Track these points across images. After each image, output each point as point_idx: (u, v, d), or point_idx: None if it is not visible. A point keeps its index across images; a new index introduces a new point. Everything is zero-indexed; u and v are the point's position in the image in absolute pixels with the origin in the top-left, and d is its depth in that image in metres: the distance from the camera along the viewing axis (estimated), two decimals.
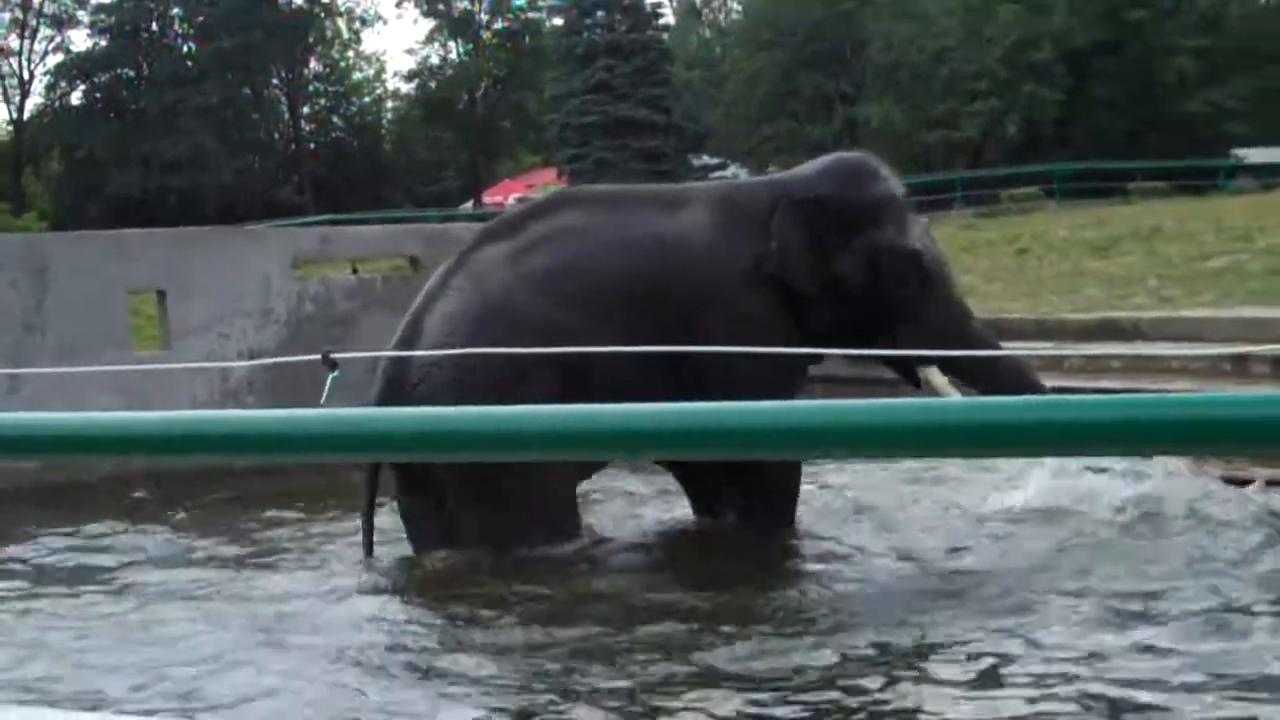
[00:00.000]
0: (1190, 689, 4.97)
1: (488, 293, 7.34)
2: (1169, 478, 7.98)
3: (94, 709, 5.15)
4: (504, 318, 7.21)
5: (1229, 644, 5.40)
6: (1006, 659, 5.41)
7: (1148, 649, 5.40)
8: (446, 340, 7.16)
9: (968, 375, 7.71)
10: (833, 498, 8.49)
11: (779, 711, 4.97)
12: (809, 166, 8.03)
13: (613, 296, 7.27)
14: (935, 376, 7.65)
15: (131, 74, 62.58)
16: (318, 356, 2.45)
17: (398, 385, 7.23)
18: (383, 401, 7.13)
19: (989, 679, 5.19)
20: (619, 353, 6.45)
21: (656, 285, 7.37)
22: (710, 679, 5.29)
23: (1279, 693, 4.98)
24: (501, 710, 5.16)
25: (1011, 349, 8.30)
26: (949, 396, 7.34)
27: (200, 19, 62.25)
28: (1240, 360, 10.78)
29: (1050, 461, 7.64)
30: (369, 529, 7.48)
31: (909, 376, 7.88)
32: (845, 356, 7.88)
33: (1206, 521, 7.34)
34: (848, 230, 7.61)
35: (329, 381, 2.37)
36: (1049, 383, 9.83)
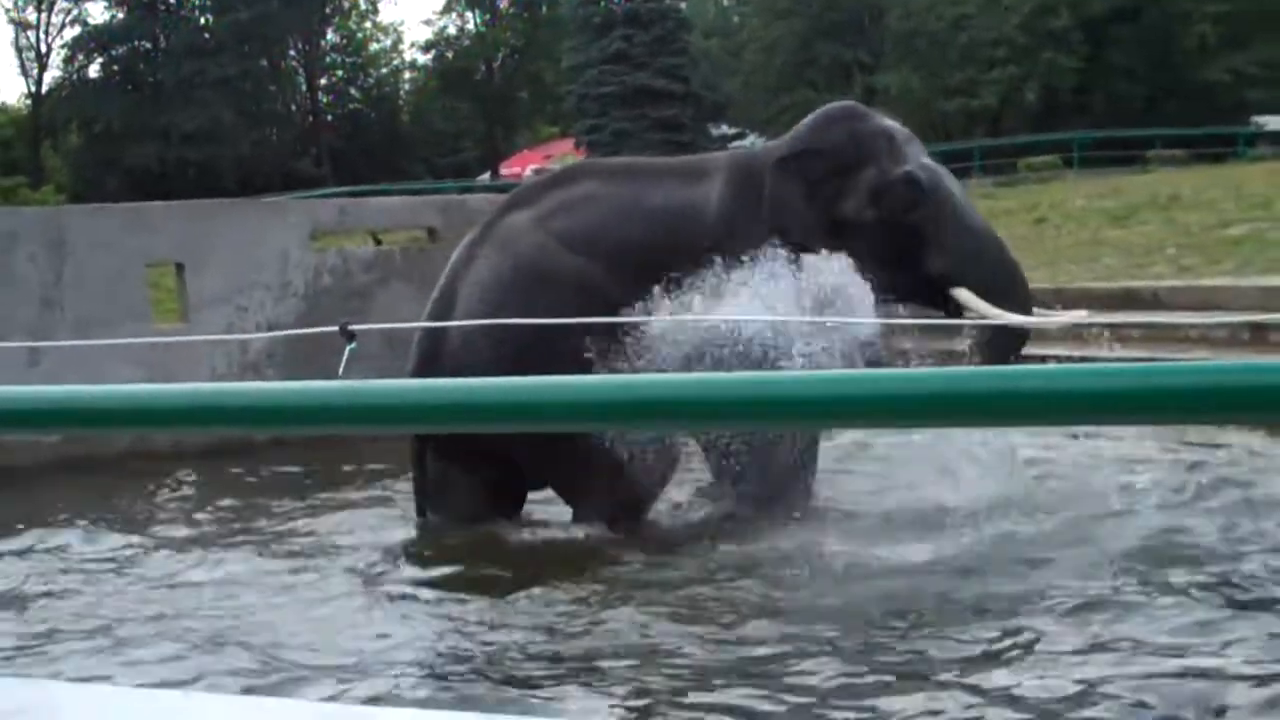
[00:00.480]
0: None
1: (518, 254, 7.40)
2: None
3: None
4: (536, 275, 7.27)
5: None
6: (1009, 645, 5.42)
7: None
8: (480, 307, 7.22)
9: (990, 294, 7.63)
10: None
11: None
12: (801, 124, 8.06)
13: (635, 260, 7.33)
14: (963, 294, 7.62)
15: (149, 46, 62.54)
16: (335, 328, 2.46)
17: (434, 355, 7.30)
18: (419, 373, 7.19)
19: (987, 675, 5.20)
20: (642, 322, 6.53)
21: (675, 252, 7.42)
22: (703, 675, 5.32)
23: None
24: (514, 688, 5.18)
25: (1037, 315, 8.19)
26: (980, 310, 7.45)
27: None
28: (1259, 329, 10.77)
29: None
30: (420, 492, 7.58)
31: (939, 303, 7.86)
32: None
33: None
34: (840, 173, 7.64)
35: (346, 353, 2.38)
36: (1068, 351, 9.91)
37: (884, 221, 7.61)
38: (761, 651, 5.34)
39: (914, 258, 7.63)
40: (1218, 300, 12.11)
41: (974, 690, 4.84)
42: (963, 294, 7.63)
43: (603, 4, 55.42)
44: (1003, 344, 7.52)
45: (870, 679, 5.04)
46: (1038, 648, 5.25)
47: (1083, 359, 9.49)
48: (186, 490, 9.14)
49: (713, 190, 7.68)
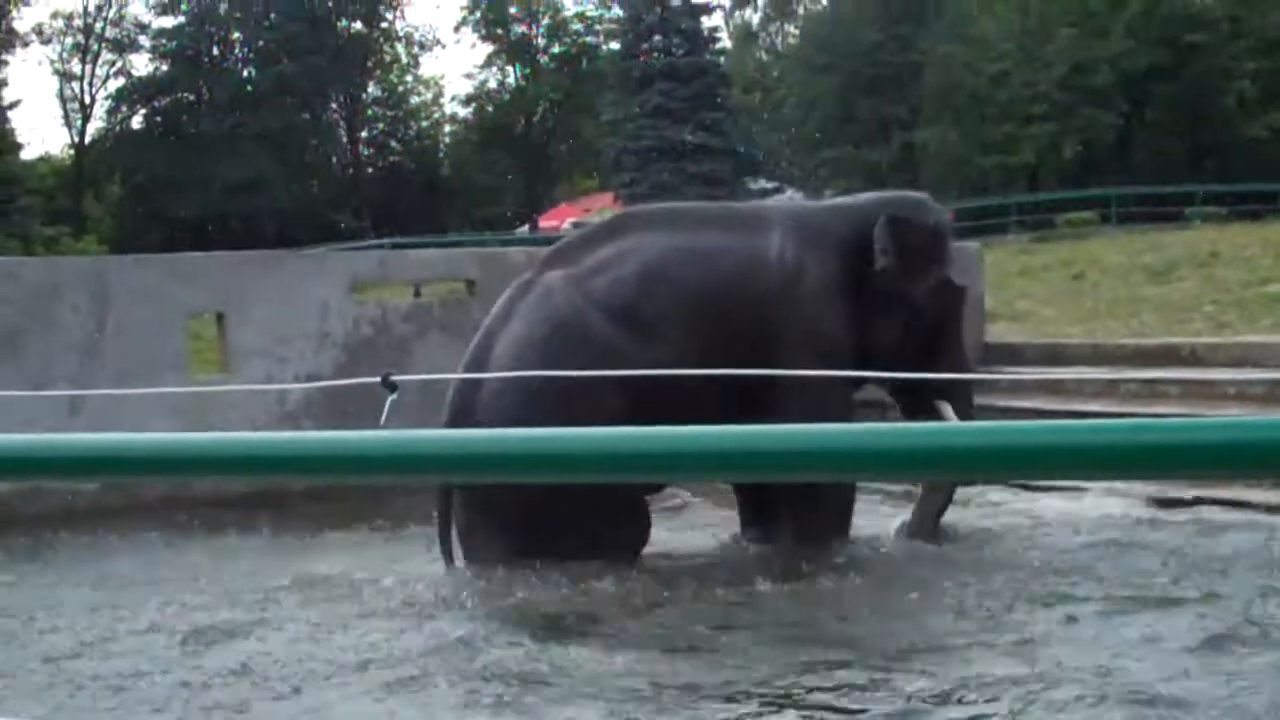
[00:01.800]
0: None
1: (552, 316, 7.44)
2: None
3: None
4: (570, 340, 7.32)
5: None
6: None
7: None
8: (515, 364, 7.26)
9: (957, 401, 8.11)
10: None
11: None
12: (876, 195, 8.36)
13: (681, 318, 7.39)
14: (946, 409, 8.01)
15: (192, 98, 62.96)
16: (377, 379, 2.49)
17: (468, 409, 7.34)
18: (454, 424, 7.23)
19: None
20: (679, 375, 6.55)
21: (728, 304, 7.51)
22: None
23: None
24: None
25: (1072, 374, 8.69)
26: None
27: (260, 43, 62.66)
28: None
29: None
30: (446, 540, 7.60)
31: (926, 406, 8.12)
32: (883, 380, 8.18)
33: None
34: (925, 256, 7.97)
35: (388, 403, 2.40)
36: (1105, 408, 10.05)
37: (932, 316, 7.96)
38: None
39: (931, 360, 8.03)
40: (1255, 357, 12.06)
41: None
42: (945, 409, 8.03)
43: (642, 58, 55.63)
44: None
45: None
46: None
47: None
48: (230, 534, 9.18)
49: (769, 241, 7.80)
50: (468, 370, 7.57)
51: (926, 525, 8.23)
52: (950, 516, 8.37)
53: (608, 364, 6.88)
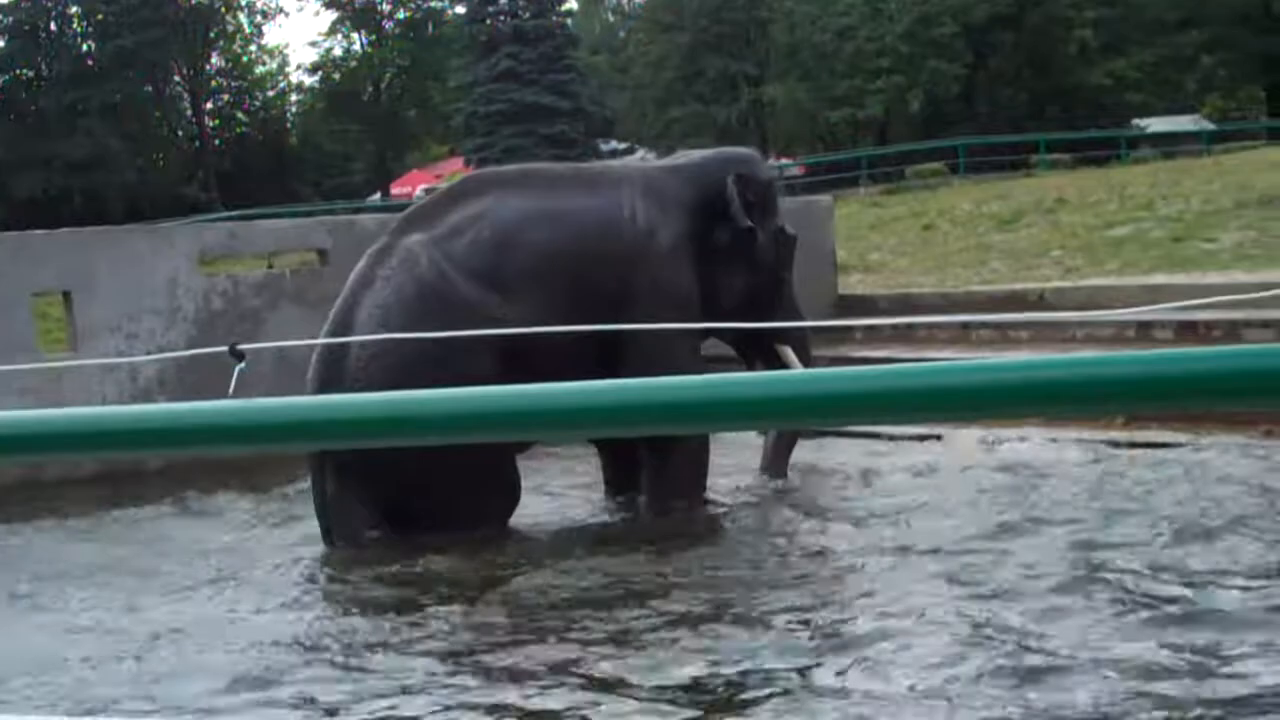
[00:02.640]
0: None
1: (419, 279, 7.41)
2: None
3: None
4: (436, 302, 7.28)
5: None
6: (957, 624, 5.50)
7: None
8: (381, 329, 7.22)
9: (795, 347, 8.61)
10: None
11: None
12: (710, 154, 8.52)
13: (541, 277, 7.43)
14: (789, 354, 8.49)
15: (30, 74, 61.70)
16: (224, 349, 2.45)
17: (335, 377, 7.26)
18: (320, 393, 7.15)
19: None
20: (547, 333, 6.62)
21: (586, 263, 7.57)
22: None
23: None
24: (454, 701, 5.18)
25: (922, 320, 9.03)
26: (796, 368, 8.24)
27: (99, 16, 61.42)
28: (1144, 327, 10.95)
29: None
30: (323, 515, 7.56)
31: (766, 352, 8.61)
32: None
33: None
34: (764, 209, 8.41)
35: (235, 373, 2.38)
36: (958, 354, 10.26)
37: (770, 266, 8.20)
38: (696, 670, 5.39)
39: (771, 310, 8.30)
40: (1103, 300, 12.29)
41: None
42: (788, 354, 8.48)
43: (489, 22, 55.33)
44: None
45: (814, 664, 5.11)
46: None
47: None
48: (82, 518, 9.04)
49: (619, 199, 7.89)
50: (331, 338, 7.50)
51: (778, 464, 8.69)
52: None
53: (475, 326, 6.92)
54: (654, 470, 8.12)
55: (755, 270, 8.34)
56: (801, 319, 8.71)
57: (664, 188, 8.13)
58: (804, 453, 9.08)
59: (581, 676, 5.24)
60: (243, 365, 2.43)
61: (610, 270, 7.70)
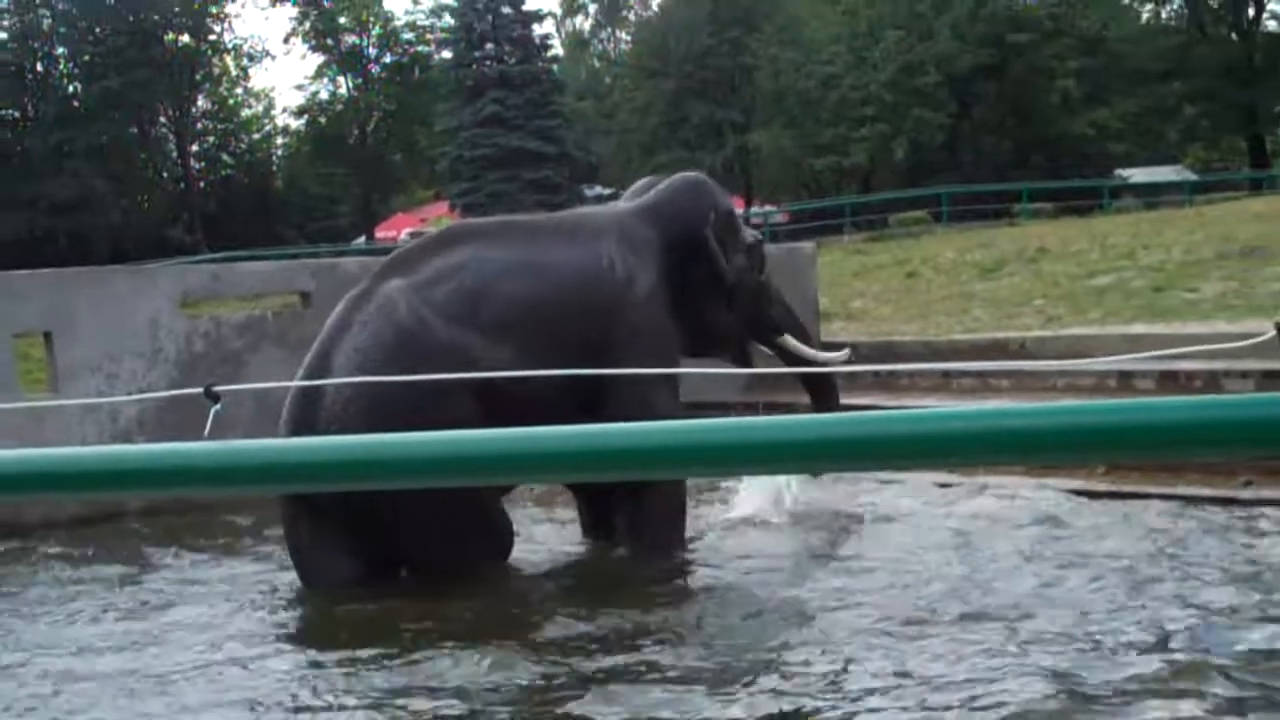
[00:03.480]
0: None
1: (398, 324, 7.40)
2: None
3: None
4: (417, 348, 7.26)
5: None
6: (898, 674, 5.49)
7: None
8: (359, 373, 7.20)
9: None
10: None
11: None
12: (676, 187, 8.60)
13: (521, 326, 7.45)
14: (790, 341, 8.97)
15: (16, 115, 61.69)
16: (200, 390, 2.44)
17: (309, 420, 7.21)
18: (295, 434, 7.13)
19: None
20: (525, 376, 6.66)
21: (566, 314, 7.62)
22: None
23: None
24: None
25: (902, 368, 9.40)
26: (802, 353, 8.94)
27: (85, 58, 61.50)
28: (1125, 376, 10.98)
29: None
30: (300, 560, 7.54)
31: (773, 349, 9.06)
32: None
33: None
34: (733, 229, 8.66)
35: (211, 414, 2.37)
36: (939, 402, 10.34)
37: (750, 282, 8.36)
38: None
39: (759, 310, 8.76)
40: (1084, 349, 12.31)
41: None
42: (789, 341, 8.92)
43: (475, 67, 55.47)
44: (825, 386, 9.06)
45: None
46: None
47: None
48: (60, 563, 8.99)
49: (596, 246, 7.95)
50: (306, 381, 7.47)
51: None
52: None
53: (453, 370, 6.92)
54: (632, 514, 8.13)
55: (736, 289, 8.50)
56: (790, 309, 9.15)
57: (638, 234, 8.19)
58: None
59: None
60: (218, 407, 2.42)
61: (591, 320, 7.73)
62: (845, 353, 9.78)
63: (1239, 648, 5.71)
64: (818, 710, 5.24)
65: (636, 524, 8.14)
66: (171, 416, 10.59)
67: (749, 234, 8.92)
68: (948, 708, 5.13)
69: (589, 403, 7.23)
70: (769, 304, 8.89)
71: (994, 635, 6.04)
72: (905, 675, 5.56)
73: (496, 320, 7.49)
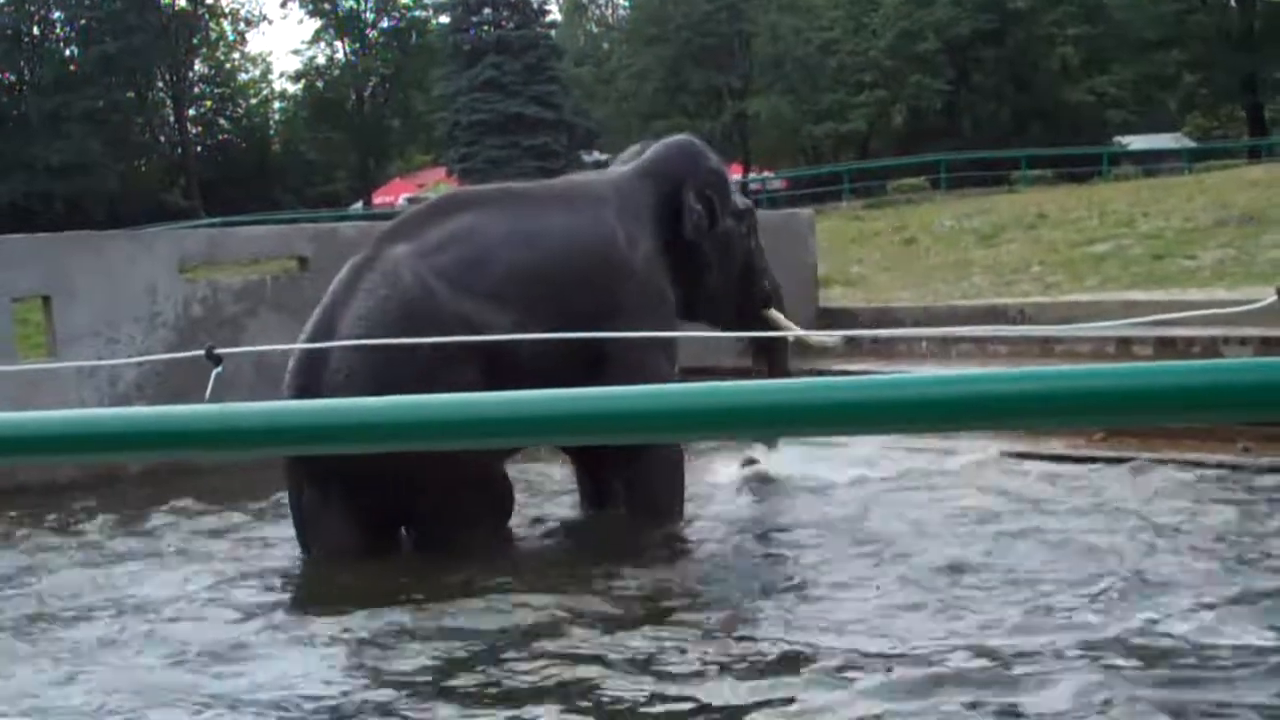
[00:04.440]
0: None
1: (404, 291, 7.37)
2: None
3: None
4: (423, 314, 7.24)
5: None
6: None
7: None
8: (365, 340, 7.17)
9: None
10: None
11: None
12: (665, 152, 8.63)
13: (522, 288, 7.45)
14: (776, 316, 8.94)
15: (13, 79, 61.60)
16: (201, 353, 2.45)
17: (312, 386, 7.19)
18: (298, 398, 7.10)
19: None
20: (525, 340, 6.69)
21: (571, 281, 7.63)
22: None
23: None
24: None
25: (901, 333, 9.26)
26: (787, 328, 8.93)
27: (82, 22, 61.37)
28: (1125, 343, 10.98)
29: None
30: (300, 526, 7.53)
31: (757, 321, 8.87)
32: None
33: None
34: (724, 195, 8.62)
35: (213, 377, 2.37)
36: (937, 368, 10.33)
37: (743, 244, 8.64)
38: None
39: (749, 277, 8.76)
40: (1082, 316, 12.30)
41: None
42: (776, 316, 8.93)
43: (473, 32, 55.37)
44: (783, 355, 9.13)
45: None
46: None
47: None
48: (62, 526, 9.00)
49: (595, 212, 7.97)
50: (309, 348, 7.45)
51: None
52: None
53: (459, 336, 6.93)
54: (630, 478, 8.14)
55: (728, 254, 8.53)
56: (778, 286, 9.12)
57: (635, 199, 8.21)
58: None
59: (562, 695, 5.23)
60: (220, 369, 2.43)
61: (597, 286, 7.73)
62: (836, 338, 9.95)
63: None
64: (811, 668, 5.25)
65: (634, 488, 8.15)
66: (171, 381, 10.59)
67: (741, 199, 8.90)
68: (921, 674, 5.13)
69: (590, 367, 7.26)
70: (759, 274, 8.87)
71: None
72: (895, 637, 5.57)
73: (501, 287, 7.49)
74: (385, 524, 7.53)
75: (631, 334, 7.27)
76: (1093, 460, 9.07)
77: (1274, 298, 2.12)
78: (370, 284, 7.46)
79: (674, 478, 8.19)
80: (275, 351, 8.01)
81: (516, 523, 8.03)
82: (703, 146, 8.82)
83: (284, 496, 7.78)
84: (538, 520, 8.42)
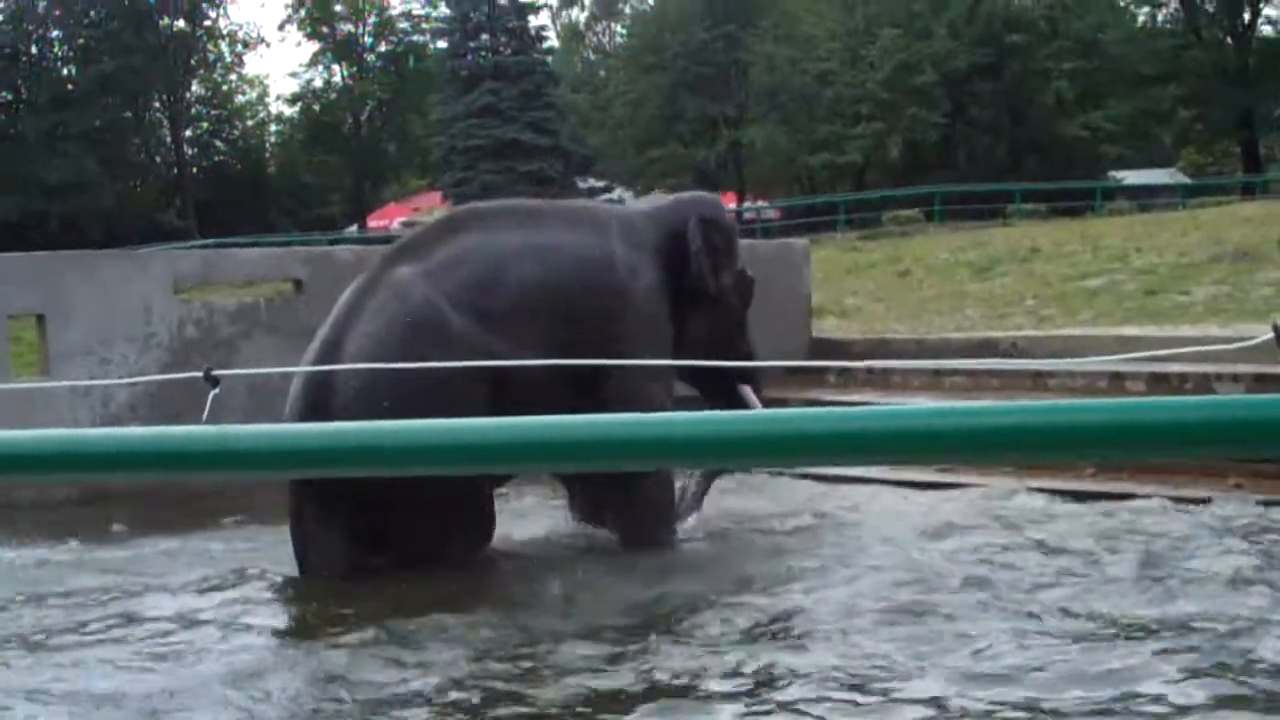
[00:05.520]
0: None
1: (413, 310, 7.39)
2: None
3: None
4: (431, 335, 7.26)
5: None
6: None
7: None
8: (373, 360, 7.17)
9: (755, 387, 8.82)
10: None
11: None
12: (677, 199, 8.83)
13: (534, 314, 7.49)
14: (748, 393, 8.60)
15: (10, 97, 61.60)
16: (199, 374, 2.46)
17: (320, 407, 7.18)
18: (304, 419, 7.10)
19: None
20: (529, 365, 6.74)
21: (578, 302, 7.68)
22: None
23: None
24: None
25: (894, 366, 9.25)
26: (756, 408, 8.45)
27: (80, 41, 61.42)
28: (1117, 377, 10.99)
29: None
30: (299, 545, 7.53)
31: (729, 392, 8.55)
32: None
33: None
34: (729, 252, 8.63)
35: (210, 398, 2.38)
36: (930, 400, 10.34)
37: (734, 306, 8.67)
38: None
39: (733, 344, 8.63)
40: (1076, 350, 12.31)
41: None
42: (749, 394, 8.60)
43: (470, 57, 55.46)
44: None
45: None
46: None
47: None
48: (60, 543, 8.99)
49: (602, 240, 8.03)
50: (315, 366, 7.45)
51: (694, 499, 8.71)
52: None
53: (468, 358, 6.96)
54: (621, 507, 8.13)
55: (720, 313, 8.54)
56: (758, 359, 9.04)
57: (640, 233, 8.26)
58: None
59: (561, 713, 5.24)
60: (217, 390, 2.43)
61: (600, 308, 7.77)
62: None
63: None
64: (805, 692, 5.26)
65: (627, 516, 8.14)
66: (164, 402, 10.59)
67: (746, 270, 8.89)
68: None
69: (588, 390, 7.32)
70: (742, 338, 8.83)
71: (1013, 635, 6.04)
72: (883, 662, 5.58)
73: (507, 307, 7.51)
74: (374, 543, 7.54)
75: (638, 362, 7.36)
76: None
77: (1269, 334, 2.11)
78: (378, 303, 7.48)
79: (666, 503, 8.20)
80: (273, 374, 8.02)
81: (497, 540, 8.04)
82: (720, 204, 8.99)
83: (275, 513, 7.80)
84: (519, 539, 8.44)
